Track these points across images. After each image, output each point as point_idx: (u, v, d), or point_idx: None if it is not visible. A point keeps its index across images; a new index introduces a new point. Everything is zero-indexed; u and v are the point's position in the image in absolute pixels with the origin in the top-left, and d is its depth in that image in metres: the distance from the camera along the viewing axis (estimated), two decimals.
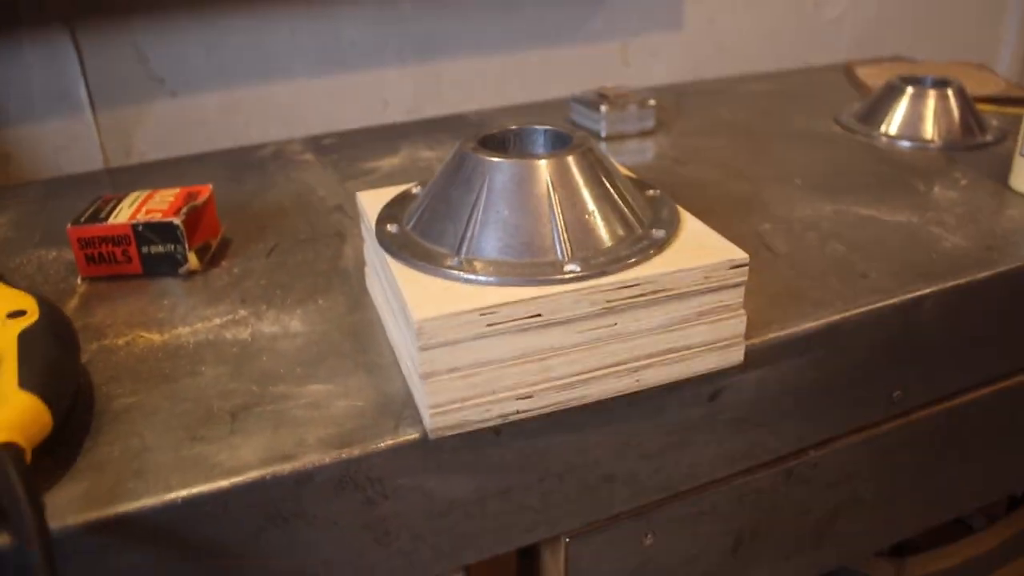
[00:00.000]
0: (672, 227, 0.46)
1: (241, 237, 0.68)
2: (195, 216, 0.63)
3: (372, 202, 0.52)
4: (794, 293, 0.54)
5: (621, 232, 0.44)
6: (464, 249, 0.43)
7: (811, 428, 0.56)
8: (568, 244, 0.43)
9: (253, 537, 0.41)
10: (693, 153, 0.81)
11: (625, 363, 0.44)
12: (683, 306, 0.43)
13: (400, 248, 0.45)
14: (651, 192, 0.51)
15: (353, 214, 0.71)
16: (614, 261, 0.42)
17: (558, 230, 0.43)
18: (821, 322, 0.51)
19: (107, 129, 0.92)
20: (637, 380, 0.45)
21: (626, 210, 0.45)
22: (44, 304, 0.48)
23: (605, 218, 0.44)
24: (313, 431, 0.43)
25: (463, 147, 0.46)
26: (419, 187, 0.53)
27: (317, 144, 0.90)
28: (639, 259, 0.43)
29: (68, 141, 0.91)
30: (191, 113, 0.95)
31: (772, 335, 0.50)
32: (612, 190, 0.45)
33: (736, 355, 0.47)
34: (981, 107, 0.85)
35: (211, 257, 0.64)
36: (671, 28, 1.12)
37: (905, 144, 0.80)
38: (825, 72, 1.13)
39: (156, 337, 0.53)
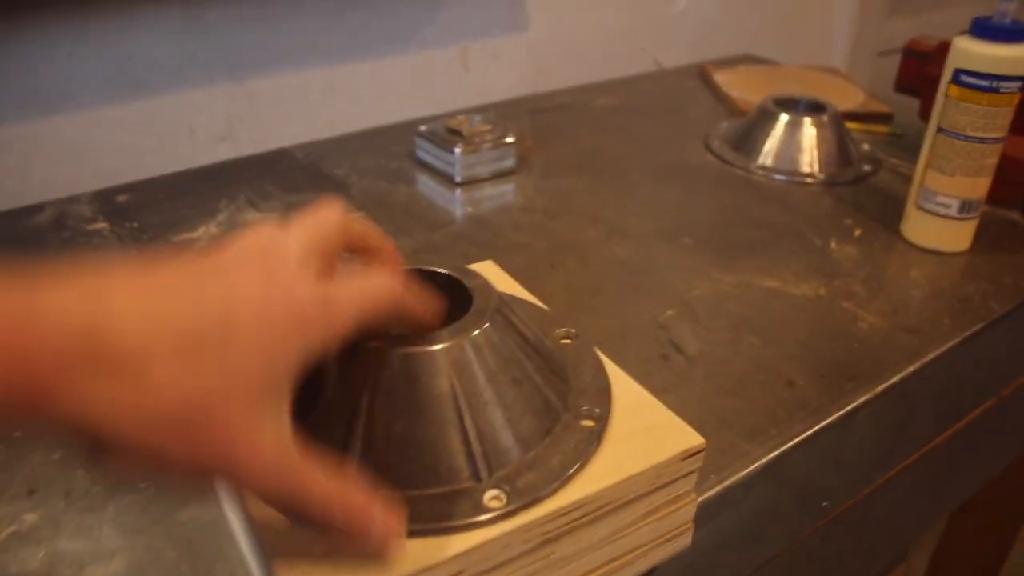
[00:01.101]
0: (602, 396, 0.37)
1: None
2: None
3: None
4: (721, 417, 0.47)
5: (547, 424, 0.35)
6: None
7: (744, 565, 0.49)
8: (484, 461, 0.32)
9: None
10: (562, 201, 0.72)
11: None
12: (630, 512, 0.35)
13: None
14: (564, 334, 0.41)
15: None
16: (546, 479, 0.32)
17: (470, 444, 0.32)
18: (759, 463, 0.44)
19: None
20: None
21: (548, 392, 0.35)
22: None
23: (528, 408, 0.34)
24: None
25: None
26: None
27: (110, 204, 0.73)
28: (576, 466, 0.33)
29: None
30: None
31: (712, 491, 0.42)
32: (528, 365, 0.35)
33: (684, 541, 0.39)
34: (847, 125, 0.81)
35: None
36: (515, 29, 1.02)
37: (783, 178, 0.75)
38: (680, 77, 1.06)
39: None
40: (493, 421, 0.33)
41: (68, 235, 0.68)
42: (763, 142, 0.77)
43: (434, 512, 0.31)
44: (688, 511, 0.37)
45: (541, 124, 0.90)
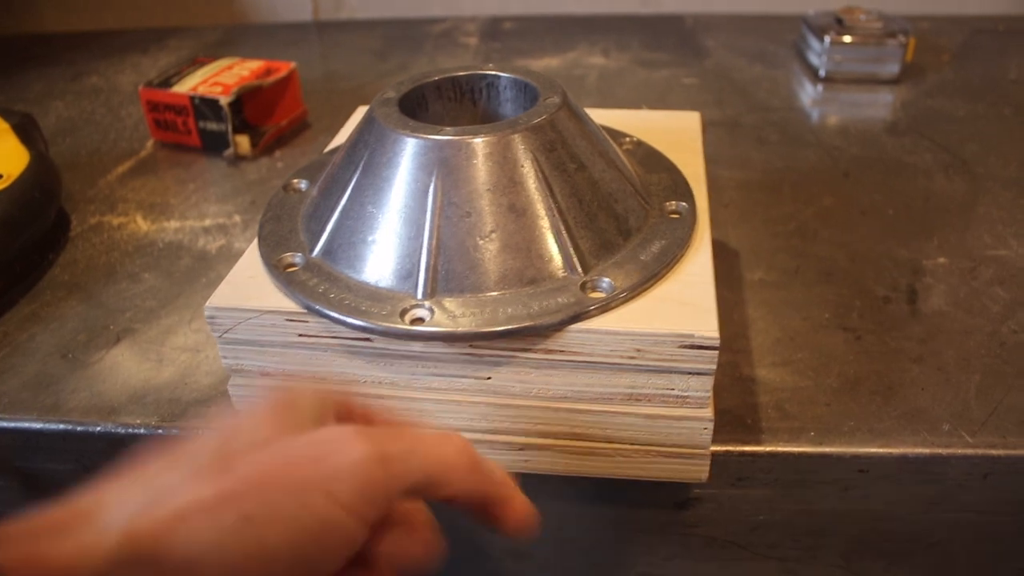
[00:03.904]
0: (642, 271, 0.30)
1: (325, 123, 0.61)
2: (258, 97, 0.57)
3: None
4: (890, 384, 0.35)
5: (538, 269, 0.29)
6: (318, 247, 0.32)
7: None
8: (432, 277, 0.29)
9: None
10: (922, 121, 0.58)
11: (506, 433, 0.31)
12: (597, 379, 0.29)
13: (277, 217, 0.35)
14: (674, 209, 0.34)
15: None
16: (519, 316, 0.28)
17: (427, 253, 0.29)
18: (886, 451, 0.32)
19: None
20: (525, 460, 0.31)
21: (566, 237, 0.30)
22: (27, 171, 0.46)
23: (521, 246, 0.29)
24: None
25: (381, 97, 0.34)
26: None
27: (493, 27, 0.79)
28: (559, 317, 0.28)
29: None
30: None
31: (793, 448, 0.33)
32: (552, 204, 0.30)
33: (695, 470, 0.31)
34: None
35: (271, 142, 0.58)
36: None
37: None
38: None
39: (145, 226, 0.49)
40: (465, 241, 0.29)
41: (440, 44, 0.76)
42: None
43: (366, 306, 0.29)
44: (697, 431, 0.29)
45: (972, 43, 0.72)
